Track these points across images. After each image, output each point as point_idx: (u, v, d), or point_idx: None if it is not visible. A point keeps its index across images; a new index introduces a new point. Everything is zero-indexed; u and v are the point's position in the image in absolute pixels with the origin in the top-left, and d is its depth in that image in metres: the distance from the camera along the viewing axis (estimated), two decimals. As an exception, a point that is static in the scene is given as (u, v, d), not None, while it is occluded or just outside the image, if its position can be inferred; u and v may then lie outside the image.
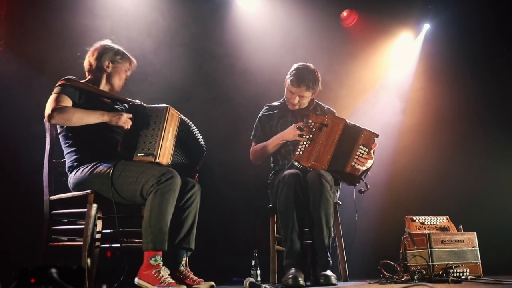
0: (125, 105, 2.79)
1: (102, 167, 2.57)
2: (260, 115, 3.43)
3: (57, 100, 2.56)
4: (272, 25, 4.79)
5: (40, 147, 2.88)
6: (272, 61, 3.42)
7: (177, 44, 4.36)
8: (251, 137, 3.42)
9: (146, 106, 2.66)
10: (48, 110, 2.54)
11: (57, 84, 2.64)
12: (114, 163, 2.54)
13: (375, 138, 3.05)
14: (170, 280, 2.39)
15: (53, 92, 2.61)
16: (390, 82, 5.36)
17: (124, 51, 2.87)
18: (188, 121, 2.80)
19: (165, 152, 2.61)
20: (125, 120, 2.56)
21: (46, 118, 2.57)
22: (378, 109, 5.10)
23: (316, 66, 3.30)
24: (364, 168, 3.05)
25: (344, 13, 5.27)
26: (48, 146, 2.83)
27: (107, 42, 2.86)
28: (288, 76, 3.27)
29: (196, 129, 2.86)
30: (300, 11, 4.95)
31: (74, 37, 2.87)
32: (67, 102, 2.59)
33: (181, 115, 2.73)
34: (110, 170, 2.53)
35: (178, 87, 4.17)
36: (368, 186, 3.07)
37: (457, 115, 4.94)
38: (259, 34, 4.72)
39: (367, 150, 3.03)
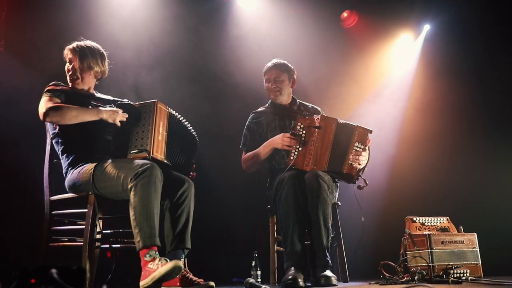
0: (111, 104, 2.80)
1: (87, 165, 2.57)
2: (247, 123, 3.41)
3: (51, 100, 2.59)
4: (272, 26, 4.79)
5: (40, 148, 2.88)
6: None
7: (177, 43, 4.36)
8: (240, 146, 3.40)
9: (133, 103, 2.67)
10: (42, 108, 2.56)
11: (46, 89, 2.67)
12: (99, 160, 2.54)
13: (369, 134, 3.03)
14: (164, 261, 2.26)
15: (43, 95, 2.64)
16: (390, 82, 5.36)
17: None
18: (177, 114, 2.78)
19: (159, 146, 2.59)
20: (122, 116, 2.57)
21: (41, 117, 2.57)
22: (378, 110, 5.10)
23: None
24: (361, 166, 3.04)
25: (345, 14, 5.28)
26: (49, 147, 2.83)
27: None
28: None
29: (186, 121, 2.84)
30: (300, 12, 4.95)
31: (75, 38, 2.87)
32: (59, 102, 2.61)
33: (169, 109, 2.71)
34: (92, 167, 2.52)
35: (174, 87, 4.17)
36: (367, 182, 3.05)
37: (457, 115, 4.94)
38: (259, 34, 4.72)
39: (362, 147, 3.02)
